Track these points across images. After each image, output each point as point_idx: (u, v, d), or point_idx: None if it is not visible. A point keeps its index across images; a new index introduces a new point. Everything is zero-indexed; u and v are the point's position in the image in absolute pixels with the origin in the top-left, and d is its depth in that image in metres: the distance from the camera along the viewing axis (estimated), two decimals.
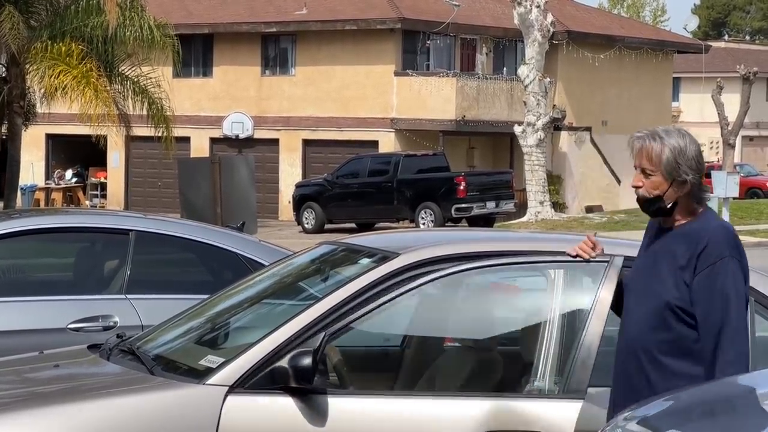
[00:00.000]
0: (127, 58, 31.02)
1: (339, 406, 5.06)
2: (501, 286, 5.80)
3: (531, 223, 35.86)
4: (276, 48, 44.97)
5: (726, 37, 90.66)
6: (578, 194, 44.48)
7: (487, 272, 5.50)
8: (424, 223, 35.48)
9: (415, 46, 42.35)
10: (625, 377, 4.86)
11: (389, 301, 5.27)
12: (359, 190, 37.39)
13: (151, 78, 30.80)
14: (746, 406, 4.05)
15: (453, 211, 35.72)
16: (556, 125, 41.69)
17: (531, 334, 5.48)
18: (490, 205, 36.61)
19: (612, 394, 4.96)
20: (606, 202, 44.91)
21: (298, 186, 39.47)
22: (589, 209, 43.52)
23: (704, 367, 4.74)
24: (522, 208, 38.76)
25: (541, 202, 38.36)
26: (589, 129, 45.00)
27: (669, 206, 4.86)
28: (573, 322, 5.31)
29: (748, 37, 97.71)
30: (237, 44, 44.61)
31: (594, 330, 5.13)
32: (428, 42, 42.26)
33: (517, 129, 38.51)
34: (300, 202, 38.13)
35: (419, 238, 6.56)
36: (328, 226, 37.47)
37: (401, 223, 36.90)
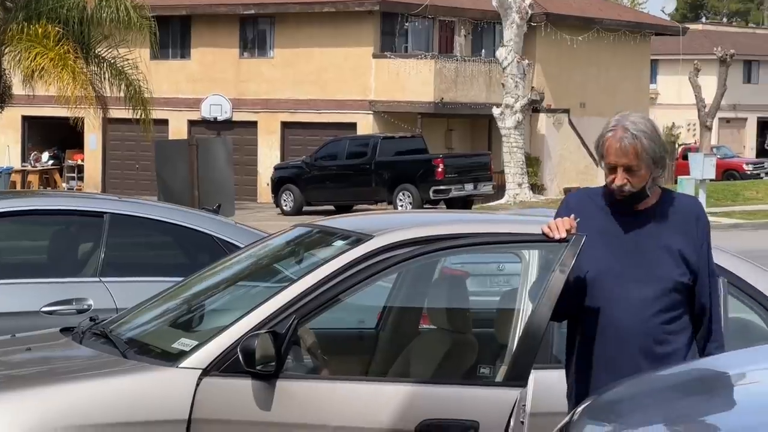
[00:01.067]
0: (104, 39, 30.87)
1: (295, 389, 5.03)
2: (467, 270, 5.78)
3: (509, 205, 35.88)
4: (254, 30, 44.82)
5: (703, 20, 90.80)
6: (556, 176, 44.51)
7: (460, 254, 5.49)
8: (402, 205, 35.49)
9: (393, 28, 42.28)
10: (615, 367, 4.73)
11: (363, 282, 5.25)
12: (337, 172, 37.36)
13: (128, 60, 30.67)
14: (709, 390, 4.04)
15: (431, 193, 35.72)
16: (534, 107, 41.72)
17: (483, 318, 5.47)
18: (469, 187, 36.62)
19: (581, 383, 4.89)
20: (584, 183, 44.88)
21: (276, 168, 39.41)
22: (568, 191, 43.53)
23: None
24: (500, 190, 38.77)
25: (520, 184, 38.40)
26: (567, 111, 45.02)
27: (648, 191, 4.85)
28: (527, 306, 5.20)
29: (725, 20, 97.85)
30: (215, 26, 44.44)
31: (541, 314, 4.88)
32: (406, 24, 42.18)
33: (496, 111, 38.51)
34: (278, 184, 38.10)
35: (393, 221, 6.55)
36: (306, 208, 37.45)
37: (379, 206, 36.89)
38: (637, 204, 4.84)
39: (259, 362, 4.89)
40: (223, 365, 5.02)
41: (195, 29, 45.09)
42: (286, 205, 37.66)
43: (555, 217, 4.91)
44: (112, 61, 30.78)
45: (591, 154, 45.48)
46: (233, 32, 44.59)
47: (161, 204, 9.87)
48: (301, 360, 5.42)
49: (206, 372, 5.01)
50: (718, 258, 5.59)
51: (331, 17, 42.08)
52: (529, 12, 38.63)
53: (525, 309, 5.24)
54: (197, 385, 4.99)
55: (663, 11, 64.44)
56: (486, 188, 37.42)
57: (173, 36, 44.65)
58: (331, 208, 37.26)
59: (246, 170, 42.47)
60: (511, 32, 38.22)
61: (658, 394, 4.04)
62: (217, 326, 5.29)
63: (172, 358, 5.13)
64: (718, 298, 4.87)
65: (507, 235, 5.47)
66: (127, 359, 5.23)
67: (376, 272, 5.27)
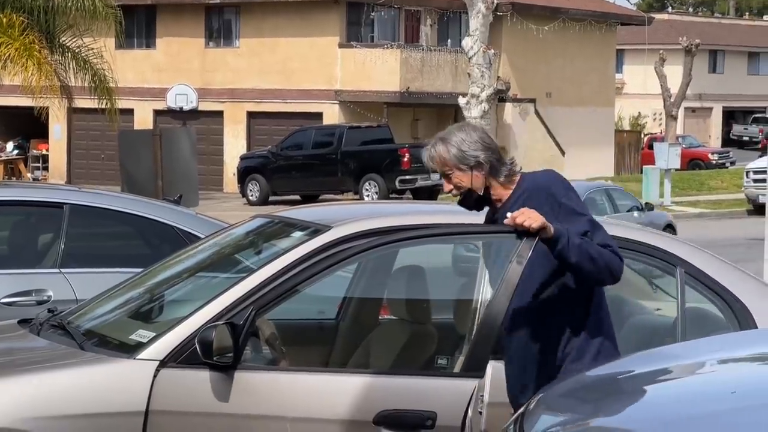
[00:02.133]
0: (69, 29, 30.68)
1: (253, 381, 5.03)
2: (425, 261, 5.78)
3: None
4: (220, 20, 44.68)
5: (669, 9, 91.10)
6: (522, 166, 44.45)
7: (419, 245, 5.48)
8: (368, 195, 35.47)
9: (359, 17, 42.22)
10: (507, 361, 4.81)
11: (321, 273, 5.25)
12: (303, 162, 37.31)
13: (93, 49, 30.50)
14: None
15: (397, 183, 35.71)
16: (500, 97, 41.70)
17: (440, 309, 5.47)
18: (435, 177, 36.57)
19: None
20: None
21: (242, 158, 39.31)
22: None
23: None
24: None
25: None
26: (533, 101, 45.09)
27: (482, 192, 4.98)
28: (485, 296, 5.20)
29: (691, 9, 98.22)
30: (180, 16, 44.27)
31: (498, 305, 4.88)
32: (372, 14, 42.14)
33: (462, 101, 38.39)
34: (244, 174, 38.01)
35: (353, 212, 6.54)
36: (272, 198, 37.39)
37: (345, 195, 36.87)
38: (492, 210, 5.04)
39: (216, 353, 4.88)
40: (181, 356, 5.01)
41: (160, 19, 44.89)
42: (252, 195, 37.58)
43: None
44: (76, 51, 30.59)
45: (557, 144, 45.60)
46: (199, 22, 44.44)
47: (121, 195, 9.83)
48: (260, 351, 5.41)
49: (163, 363, 5.00)
50: (676, 249, 5.62)
51: (297, 7, 41.99)
52: (495, 2, 38.56)
53: (483, 300, 5.25)
54: (154, 376, 4.97)
55: (629, 1, 64.58)
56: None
57: (138, 25, 44.44)
58: (298, 198, 37.21)
59: (212, 160, 42.35)
60: (476, 22, 38.11)
61: (612, 385, 4.05)
62: (176, 317, 5.28)
63: (130, 349, 5.12)
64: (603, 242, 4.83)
65: (466, 226, 5.46)
66: (84, 351, 5.21)
67: (334, 263, 5.26)
